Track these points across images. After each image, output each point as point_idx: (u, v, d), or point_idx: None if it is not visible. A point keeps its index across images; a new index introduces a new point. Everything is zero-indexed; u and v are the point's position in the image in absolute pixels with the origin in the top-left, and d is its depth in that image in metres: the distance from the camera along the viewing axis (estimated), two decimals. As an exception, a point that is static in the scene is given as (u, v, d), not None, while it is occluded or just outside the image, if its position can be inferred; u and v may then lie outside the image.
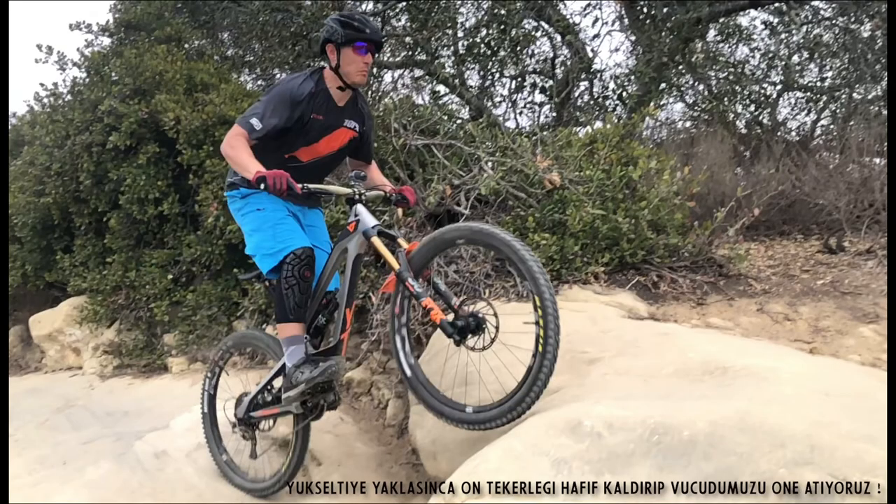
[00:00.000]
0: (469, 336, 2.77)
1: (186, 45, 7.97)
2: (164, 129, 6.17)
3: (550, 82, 7.69)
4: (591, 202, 4.53)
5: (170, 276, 6.21)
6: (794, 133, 8.43)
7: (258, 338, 3.94)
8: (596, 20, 7.49)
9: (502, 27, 6.60)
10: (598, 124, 6.62)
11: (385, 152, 5.32)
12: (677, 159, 5.13)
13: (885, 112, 7.81)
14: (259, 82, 9.61)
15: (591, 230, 4.46)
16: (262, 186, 2.88)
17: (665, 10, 7.68)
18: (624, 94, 7.21)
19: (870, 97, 8.02)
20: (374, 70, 9.32)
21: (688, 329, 3.85)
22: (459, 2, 7.74)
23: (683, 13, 7.04)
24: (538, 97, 7.77)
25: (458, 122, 5.74)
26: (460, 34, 7.83)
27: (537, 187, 4.80)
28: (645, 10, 7.68)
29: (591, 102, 7.46)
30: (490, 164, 4.98)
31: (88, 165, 6.40)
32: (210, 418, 3.94)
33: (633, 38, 8.08)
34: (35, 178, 6.80)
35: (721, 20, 8.44)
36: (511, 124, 8.04)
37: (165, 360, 6.09)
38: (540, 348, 2.57)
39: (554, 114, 7.80)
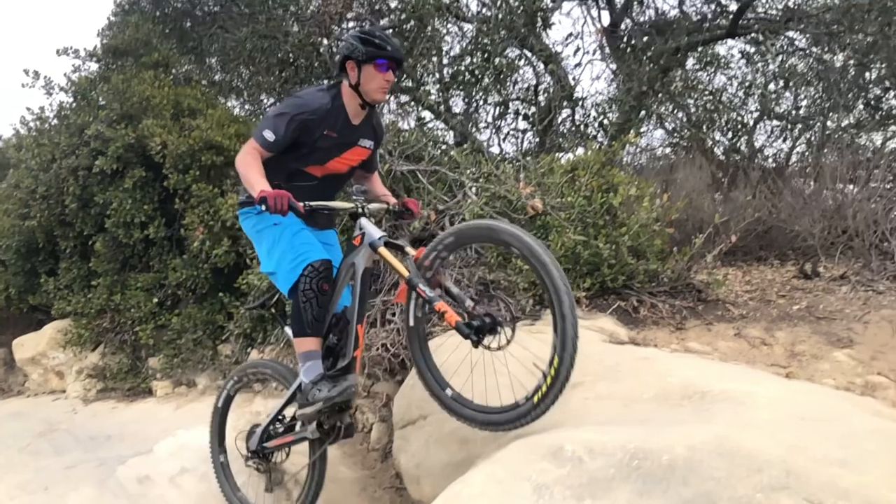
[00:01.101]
0: (486, 336, 2.70)
1: (174, 71, 8.03)
2: (151, 154, 6.22)
3: (533, 109, 7.83)
4: (573, 228, 4.62)
5: (155, 300, 6.23)
6: (770, 160, 8.62)
7: (269, 366, 3.85)
8: (577, 49, 7.66)
9: (486, 55, 6.74)
10: (580, 151, 6.75)
11: (370, 178, 5.39)
12: (657, 186, 5.25)
13: (857, 140, 8.03)
14: (246, 107, 9.69)
15: (573, 256, 4.55)
16: (263, 207, 2.83)
17: (645, 38, 7.88)
18: (605, 121, 7.37)
19: (843, 125, 8.23)
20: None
21: (667, 354, 3.92)
22: (444, 31, 7.90)
23: (663, 43, 7.23)
24: (521, 124, 7.91)
25: (443, 147, 5.84)
26: (445, 61, 7.97)
27: (520, 213, 4.88)
28: (625, 39, 7.87)
29: (573, 129, 7.60)
30: (474, 189, 5.07)
31: (74, 189, 6.42)
32: (220, 451, 3.89)
33: (613, 66, 8.26)
34: (20, 202, 6.81)
35: (699, 49, 8.66)
36: (495, 150, 8.15)
37: (150, 383, 6.09)
38: (556, 360, 2.51)
39: (537, 139, 7.93)
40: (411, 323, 3.05)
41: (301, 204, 2.94)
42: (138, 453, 4.32)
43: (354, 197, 3.21)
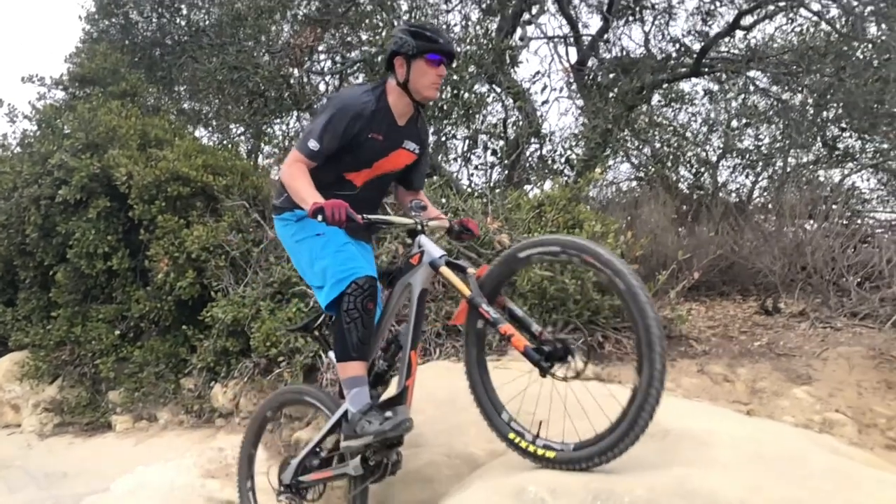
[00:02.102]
0: (556, 364, 2.50)
1: (142, 100, 7.98)
2: (116, 184, 6.16)
3: (502, 143, 7.94)
4: (539, 264, 4.65)
5: (117, 332, 6.12)
6: (733, 195, 8.82)
7: (310, 392, 3.50)
8: (545, 87, 7.80)
9: (455, 91, 6.83)
10: (547, 185, 6.84)
11: (339, 211, 5.39)
12: (622, 221, 5.33)
13: (816, 177, 8.27)
14: (215, 136, 9.67)
15: (539, 291, 4.58)
16: (320, 218, 2.62)
17: (611, 76, 8.07)
18: (571, 156, 7.50)
19: (802, 162, 8.47)
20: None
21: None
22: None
23: (628, 82, 7.40)
24: (490, 157, 8.01)
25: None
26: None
27: (488, 248, 4.91)
28: (591, 77, 8.05)
29: (540, 164, 7.71)
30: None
31: (36, 218, 6.32)
32: (247, 477, 3.65)
33: (580, 102, 8.43)
34: (-21, 230, 6.67)
35: (664, 87, 8.88)
36: (465, 181, 8.23)
37: (109, 417, 5.94)
38: (643, 381, 2.31)
39: (505, 173, 8.03)
40: (471, 350, 2.82)
41: (360, 217, 2.74)
42: (95, 491, 4.21)
43: (413, 213, 2.98)
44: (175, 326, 5.88)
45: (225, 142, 9.36)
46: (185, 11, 9.59)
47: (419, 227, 2.92)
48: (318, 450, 3.26)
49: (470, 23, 8.62)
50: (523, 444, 2.63)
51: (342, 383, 2.96)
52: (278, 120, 8.65)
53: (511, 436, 2.67)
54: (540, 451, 2.59)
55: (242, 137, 9.91)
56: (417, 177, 3.30)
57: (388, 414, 2.83)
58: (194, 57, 8.73)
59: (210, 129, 9.65)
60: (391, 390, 2.99)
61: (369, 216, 2.82)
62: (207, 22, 9.35)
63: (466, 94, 6.96)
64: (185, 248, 5.69)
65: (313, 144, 2.87)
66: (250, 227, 5.82)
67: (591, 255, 2.40)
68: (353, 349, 2.88)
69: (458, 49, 7.38)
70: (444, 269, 2.75)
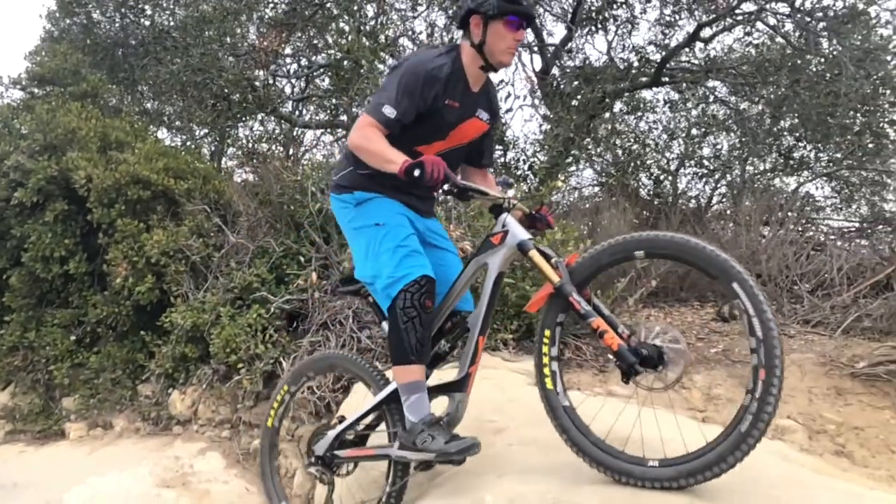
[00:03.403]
0: (648, 370, 2.32)
1: (102, 101, 7.85)
2: (75, 187, 6.05)
3: (467, 149, 7.97)
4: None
5: (72, 338, 6.02)
6: (692, 202, 8.99)
7: (347, 359, 3.27)
8: (509, 95, 7.86)
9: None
10: (511, 192, 6.87)
11: (301, 216, 5.38)
12: (582, 228, 5.39)
13: (772, 185, 8.48)
14: (178, 138, 9.55)
15: (501, 298, 4.61)
16: (418, 174, 2.41)
17: (575, 84, 8.16)
18: (535, 163, 7.56)
19: (759, 170, 8.68)
20: (296, 130, 9.45)
21: (590, 397, 4.00)
22: (382, 68, 7.98)
23: (590, 91, 7.50)
24: (454, 163, 8.02)
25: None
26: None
27: (450, 255, 4.93)
28: (554, 85, 8.14)
29: (504, 171, 7.77)
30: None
31: (-11, 221, 6.18)
32: (270, 459, 3.45)
33: (543, 110, 8.52)
34: (-71, 233, 6.50)
35: (626, 95, 9.02)
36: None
37: (63, 425, 5.83)
38: (761, 383, 2.15)
39: (470, 179, 8.05)
40: (551, 349, 2.60)
41: (457, 178, 2.55)
42: (47, 502, 4.12)
43: (501, 189, 2.77)
44: (133, 332, 5.80)
45: (188, 143, 9.26)
46: (148, 12, 9.48)
47: (507, 204, 2.70)
48: (357, 423, 3.08)
49: (436, 29, 8.65)
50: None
51: (399, 389, 2.76)
52: (242, 123, 8.57)
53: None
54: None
55: (207, 140, 9.81)
56: (487, 152, 3.09)
57: (454, 432, 2.67)
58: (158, 58, 8.61)
59: (173, 130, 9.53)
60: (452, 375, 2.79)
61: (464, 182, 2.61)
62: (172, 23, 9.25)
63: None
64: (145, 253, 5.61)
65: (389, 111, 2.61)
66: (211, 232, 5.76)
67: (715, 267, 2.23)
68: (411, 351, 2.67)
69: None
70: (535, 254, 2.55)
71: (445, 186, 2.53)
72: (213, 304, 5.16)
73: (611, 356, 2.39)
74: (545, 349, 2.60)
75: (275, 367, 4.76)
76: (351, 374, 3.38)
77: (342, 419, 3.13)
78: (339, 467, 3.11)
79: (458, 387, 2.73)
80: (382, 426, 2.98)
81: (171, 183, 6.03)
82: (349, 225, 2.88)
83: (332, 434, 3.08)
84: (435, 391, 2.78)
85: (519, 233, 2.61)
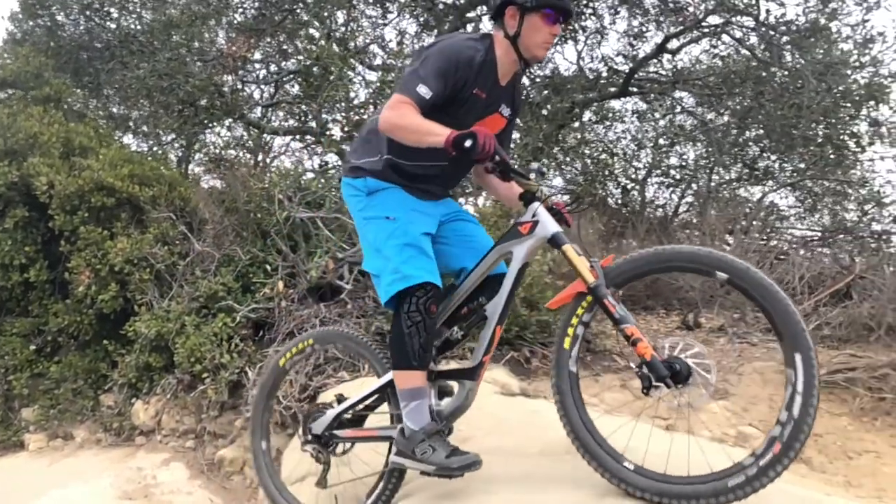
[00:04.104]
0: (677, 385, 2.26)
1: (66, 106, 7.72)
2: (36, 193, 5.93)
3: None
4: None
5: (32, 347, 5.91)
6: (660, 211, 9.11)
7: (351, 338, 3.15)
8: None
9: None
10: (481, 200, 6.92)
11: (268, 224, 5.34)
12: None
13: (737, 195, 8.62)
14: (145, 144, 9.42)
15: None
16: (469, 144, 2.30)
17: (544, 93, 8.22)
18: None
19: (725, 180, 8.83)
20: (265, 136, 9.38)
21: (555, 406, 4.03)
22: (352, 75, 7.96)
23: (559, 101, 7.57)
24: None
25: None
26: (354, 103, 8.01)
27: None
28: (523, 95, 8.19)
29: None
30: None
31: (-53, 228, 6.04)
32: (262, 436, 3.36)
33: (514, 119, 8.56)
34: None
35: (594, 105, 9.12)
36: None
37: (22, 436, 5.71)
38: (771, 455, 2.08)
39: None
40: (572, 350, 2.49)
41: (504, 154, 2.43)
42: (3, 517, 4.03)
43: (532, 176, 2.64)
44: (95, 341, 5.70)
45: (155, 148, 9.14)
46: (115, 15, 9.35)
47: (539, 194, 2.58)
48: (357, 406, 3.00)
49: (406, 37, 8.67)
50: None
51: (399, 394, 2.67)
52: (209, 129, 8.48)
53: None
54: None
55: (174, 145, 9.69)
56: (505, 147, 2.91)
57: (455, 445, 2.58)
58: (124, 62, 8.49)
59: (140, 136, 9.40)
60: (464, 362, 2.69)
61: (511, 160, 2.49)
62: (138, 27, 9.13)
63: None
64: (108, 261, 5.52)
65: (424, 91, 2.47)
66: (177, 240, 5.69)
67: (762, 294, 2.17)
68: (413, 357, 2.59)
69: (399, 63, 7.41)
70: (569, 248, 2.45)
71: (489, 164, 2.41)
72: (178, 312, 5.10)
73: (637, 366, 2.31)
74: (566, 345, 2.50)
75: (240, 376, 4.70)
76: (356, 353, 3.32)
77: (341, 398, 3.06)
78: (336, 447, 3.04)
79: (469, 374, 2.64)
80: (383, 407, 2.92)
81: (136, 190, 5.95)
82: (359, 214, 2.78)
83: (332, 413, 3.01)
84: (446, 376, 2.72)
85: (550, 225, 2.51)
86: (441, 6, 8.54)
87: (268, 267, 5.17)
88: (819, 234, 8.39)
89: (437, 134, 2.37)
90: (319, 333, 3.22)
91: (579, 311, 2.47)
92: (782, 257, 6.75)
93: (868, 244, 7.26)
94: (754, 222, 7.53)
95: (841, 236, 7.81)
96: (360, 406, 2.98)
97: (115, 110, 9.96)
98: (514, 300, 2.67)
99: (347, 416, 3.00)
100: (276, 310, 4.96)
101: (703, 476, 2.24)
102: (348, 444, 3.03)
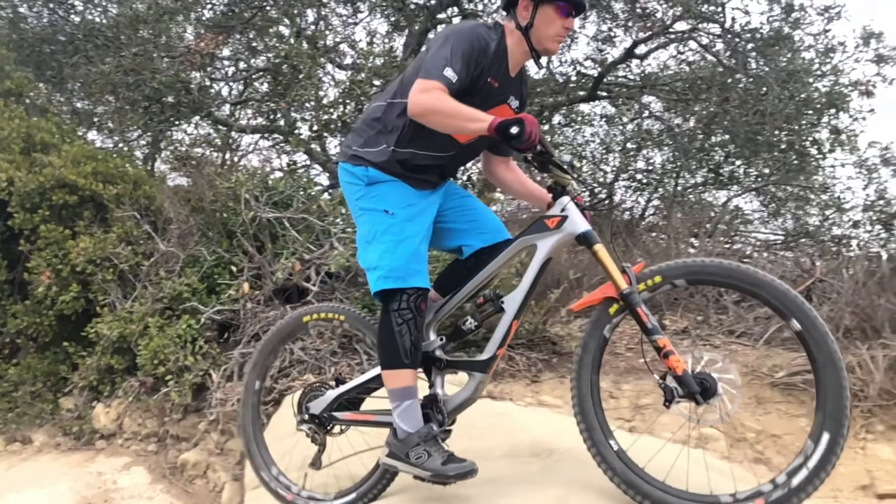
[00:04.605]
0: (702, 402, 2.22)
1: (28, 101, 7.55)
2: (-6, 191, 5.79)
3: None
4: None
5: (-10, 349, 5.75)
6: (627, 214, 9.22)
7: (360, 320, 3.05)
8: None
9: (359, 106, 6.83)
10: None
11: (234, 224, 5.28)
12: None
13: (703, 199, 8.76)
14: (110, 140, 9.24)
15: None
16: (515, 131, 2.22)
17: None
18: (472, 175, 7.64)
19: (690, 184, 8.96)
20: (233, 134, 9.28)
21: (521, 408, 4.06)
22: (321, 74, 7.92)
23: (528, 104, 7.62)
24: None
25: (313, 193, 5.81)
26: (324, 102, 7.96)
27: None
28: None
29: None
30: (341, 241, 5.07)
31: None
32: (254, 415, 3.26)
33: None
34: None
35: (564, 109, 9.19)
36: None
37: (-22, 440, 5.56)
38: (794, 483, 2.06)
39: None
40: (589, 357, 2.47)
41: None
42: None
43: (566, 169, 2.58)
44: (56, 343, 5.57)
45: (121, 145, 8.97)
46: (80, 8, 9.19)
47: (572, 189, 2.53)
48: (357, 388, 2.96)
49: (377, 38, 8.65)
50: None
51: (389, 394, 2.61)
52: (176, 126, 8.37)
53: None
54: None
55: (140, 142, 9.54)
56: None
57: (451, 450, 2.56)
58: (88, 57, 8.33)
59: (105, 132, 9.22)
60: (478, 355, 2.67)
61: (550, 150, 2.46)
62: (104, 21, 8.97)
63: (370, 109, 6.99)
64: (70, 261, 5.40)
65: (451, 74, 2.38)
66: (141, 239, 5.59)
67: (790, 308, 2.14)
68: (405, 355, 2.53)
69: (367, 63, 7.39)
70: (601, 248, 2.41)
71: (529, 153, 2.38)
72: (142, 314, 5.01)
73: (661, 377, 2.29)
74: (590, 350, 2.47)
75: (204, 378, 4.65)
76: (361, 333, 3.27)
77: (340, 380, 3.04)
78: (334, 427, 2.99)
79: (481, 367, 2.62)
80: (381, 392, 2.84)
81: (100, 188, 5.83)
82: (356, 203, 2.71)
83: (332, 394, 2.95)
84: (456, 366, 2.70)
85: (581, 222, 2.47)
86: (412, 6, 8.53)
87: (233, 268, 5.11)
88: (782, 237, 8.58)
89: (479, 119, 2.32)
90: (351, 314, 3.11)
91: (607, 316, 2.43)
92: (746, 260, 6.87)
93: (829, 248, 7.45)
94: (719, 226, 7.65)
95: (803, 240, 8.00)
96: (360, 389, 2.94)
97: (79, 105, 9.77)
98: (533, 294, 2.62)
99: (347, 398, 2.95)
100: (241, 311, 4.91)
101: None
102: (344, 425, 2.99)
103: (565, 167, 2.54)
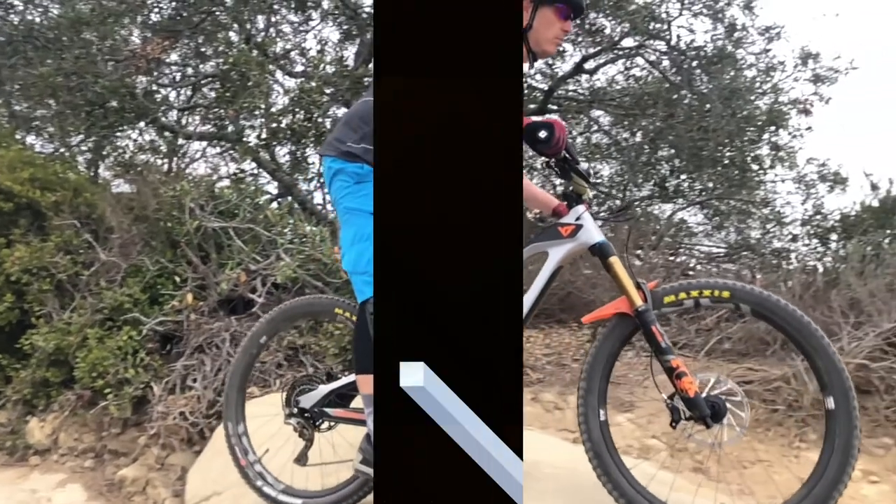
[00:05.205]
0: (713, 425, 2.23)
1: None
2: (-77, 196, 5.55)
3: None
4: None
5: (-83, 361, 5.49)
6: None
7: (324, 304, 3.04)
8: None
9: (309, 115, 6.78)
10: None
11: (178, 233, 5.18)
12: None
13: (648, 212, 8.93)
14: (50, 145, 8.95)
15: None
16: (544, 136, 2.21)
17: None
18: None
19: (637, 198, 9.14)
20: (179, 141, 9.09)
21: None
22: (271, 82, 7.82)
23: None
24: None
25: (260, 203, 5.74)
26: (272, 111, 7.87)
27: (334, 277, 4.90)
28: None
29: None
30: (288, 252, 5.02)
31: None
32: (238, 419, 3.16)
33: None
34: None
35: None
36: (319, 203, 8.16)
37: None
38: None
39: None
40: (604, 371, 2.45)
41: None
42: None
43: (580, 180, 2.54)
44: (-13, 355, 5.37)
45: (62, 150, 8.69)
46: (19, 7, 8.88)
47: (587, 198, 2.52)
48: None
49: (328, 46, 8.60)
50: None
51: (363, 400, 2.56)
52: (119, 132, 8.15)
53: None
54: None
55: (83, 147, 9.25)
56: None
57: None
58: (27, 58, 8.06)
59: (44, 137, 8.92)
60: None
61: (575, 156, 2.44)
62: (44, 22, 8.69)
63: (320, 119, 6.94)
64: (4, 270, 5.21)
65: None
66: (80, 248, 5.43)
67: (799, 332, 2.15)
68: None
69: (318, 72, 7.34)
70: (616, 261, 2.38)
71: (553, 159, 2.34)
72: (80, 325, 4.88)
73: (668, 397, 2.27)
74: (599, 364, 2.45)
75: (145, 391, 4.54)
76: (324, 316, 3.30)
77: (332, 375, 3.00)
78: (323, 422, 2.95)
79: None
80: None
81: (38, 194, 5.65)
82: (341, 202, 2.64)
83: (324, 389, 2.91)
84: None
85: (596, 233, 2.45)
86: (364, 16, 8.51)
87: (177, 278, 5.01)
88: (725, 250, 8.80)
89: None
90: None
91: (618, 332, 2.41)
92: (689, 272, 7.04)
93: (769, 261, 7.66)
94: (664, 238, 7.81)
95: (745, 253, 8.22)
96: (352, 386, 2.88)
97: (17, 108, 9.44)
98: (541, 303, 2.60)
99: (338, 393, 2.91)
100: (185, 323, 4.81)
101: None
102: (333, 422, 2.95)
103: (585, 176, 2.54)
